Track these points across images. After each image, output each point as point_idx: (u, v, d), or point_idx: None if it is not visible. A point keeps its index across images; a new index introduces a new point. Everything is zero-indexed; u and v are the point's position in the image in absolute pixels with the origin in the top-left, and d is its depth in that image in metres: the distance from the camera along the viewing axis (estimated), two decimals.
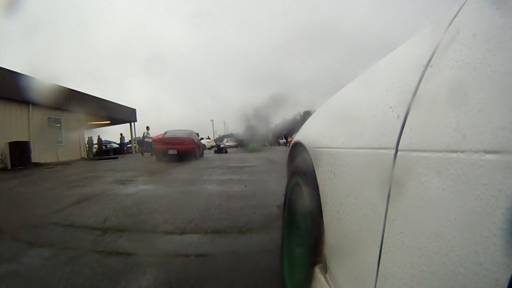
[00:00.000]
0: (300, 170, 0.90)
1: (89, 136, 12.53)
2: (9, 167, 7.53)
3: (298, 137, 1.02)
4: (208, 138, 22.03)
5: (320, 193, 0.68)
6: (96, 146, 13.33)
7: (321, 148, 0.74)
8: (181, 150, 7.89)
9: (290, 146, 1.14)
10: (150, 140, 10.92)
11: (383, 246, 0.39)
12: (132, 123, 16.96)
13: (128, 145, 17.33)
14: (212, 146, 16.31)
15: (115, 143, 16.71)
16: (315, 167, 0.73)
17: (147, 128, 11.92)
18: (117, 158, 11.67)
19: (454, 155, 0.30)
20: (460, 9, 0.40)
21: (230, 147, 15.40)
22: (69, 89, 10.23)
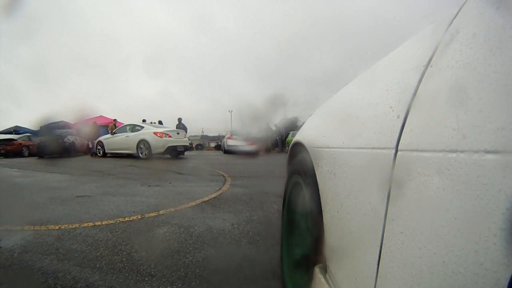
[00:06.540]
0: (300, 169, 0.90)
1: None
2: None
3: (298, 136, 1.02)
4: (182, 128, 8.91)
5: (320, 193, 0.68)
6: None
7: (321, 148, 0.74)
8: None
9: (289, 146, 1.14)
10: None
11: (383, 246, 0.39)
12: None
13: None
14: (170, 147, 7.62)
15: None
16: (315, 167, 0.73)
17: None
18: None
19: (454, 155, 0.30)
20: (460, 9, 0.40)
21: (237, 150, 8.99)
22: None
